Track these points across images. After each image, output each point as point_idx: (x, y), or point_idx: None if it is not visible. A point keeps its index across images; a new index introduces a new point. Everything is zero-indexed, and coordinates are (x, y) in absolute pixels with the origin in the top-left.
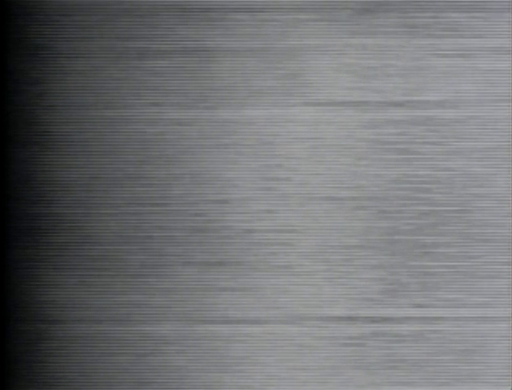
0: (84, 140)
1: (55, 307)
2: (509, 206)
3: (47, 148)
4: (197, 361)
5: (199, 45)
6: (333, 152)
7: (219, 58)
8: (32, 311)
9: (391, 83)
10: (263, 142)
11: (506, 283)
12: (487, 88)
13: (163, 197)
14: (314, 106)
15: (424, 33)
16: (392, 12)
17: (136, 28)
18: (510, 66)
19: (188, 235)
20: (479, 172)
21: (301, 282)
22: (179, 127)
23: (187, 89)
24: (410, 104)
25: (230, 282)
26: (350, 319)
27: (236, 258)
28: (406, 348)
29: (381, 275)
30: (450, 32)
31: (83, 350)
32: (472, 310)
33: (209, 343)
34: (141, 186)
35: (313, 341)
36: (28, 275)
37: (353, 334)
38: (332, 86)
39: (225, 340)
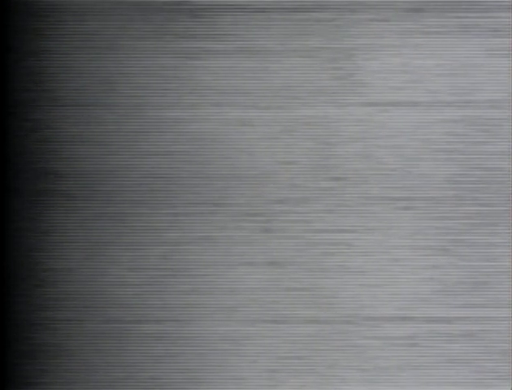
0: (143, 141)
1: (117, 307)
2: None
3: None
4: (256, 361)
5: (257, 45)
6: (386, 152)
7: (276, 58)
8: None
9: (443, 82)
10: (320, 142)
11: None
12: None
13: (224, 197)
14: (367, 106)
15: (475, 33)
16: (444, 12)
17: (195, 27)
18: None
19: (249, 235)
20: None
21: (357, 282)
22: (238, 128)
23: (245, 89)
24: (461, 104)
25: (289, 282)
26: (403, 319)
27: (295, 258)
28: (458, 348)
29: (433, 274)
30: (501, 31)
31: (146, 350)
32: None
33: (268, 341)
34: (201, 186)
35: (367, 341)
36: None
37: (406, 334)
38: (385, 86)
39: (283, 340)
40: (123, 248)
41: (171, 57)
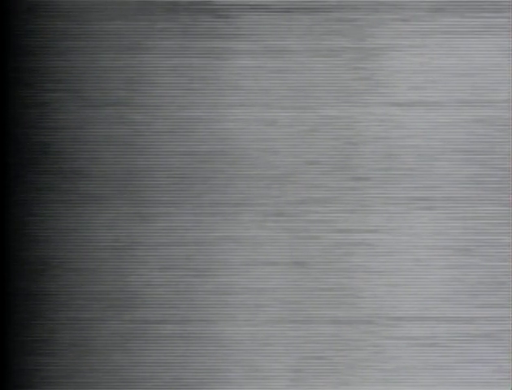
0: (168, 141)
1: (142, 307)
2: None
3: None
4: (280, 361)
5: (281, 45)
6: (407, 151)
7: (300, 58)
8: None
9: (463, 82)
10: (343, 142)
11: None
12: None
13: (247, 197)
14: (389, 105)
15: (495, 32)
16: (464, 12)
17: (218, 27)
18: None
19: (273, 235)
20: None
21: (379, 282)
22: (262, 127)
23: (269, 89)
24: (482, 103)
25: (312, 282)
26: (424, 319)
27: (318, 258)
28: (479, 349)
29: (454, 274)
30: None
31: (169, 350)
32: None
33: (291, 341)
34: (225, 186)
35: (387, 341)
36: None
37: (427, 334)
38: (406, 86)
39: (306, 339)
40: (148, 248)
41: (196, 57)
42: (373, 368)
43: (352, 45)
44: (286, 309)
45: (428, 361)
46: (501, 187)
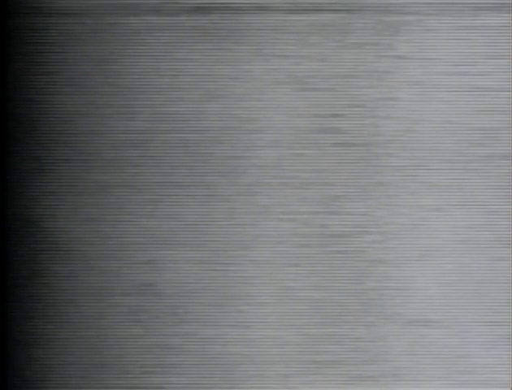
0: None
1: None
2: None
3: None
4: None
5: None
6: (426, 156)
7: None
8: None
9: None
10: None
11: None
12: None
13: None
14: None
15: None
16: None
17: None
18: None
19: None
20: None
21: (400, 286)
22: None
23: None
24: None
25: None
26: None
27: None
28: None
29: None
30: None
31: (201, 351)
32: None
33: (319, 345)
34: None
35: (416, 345)
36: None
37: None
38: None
39: (336, 343)
40: (183, 248)
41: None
42: (402, 367)
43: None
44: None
45: (458, 364)
46: None
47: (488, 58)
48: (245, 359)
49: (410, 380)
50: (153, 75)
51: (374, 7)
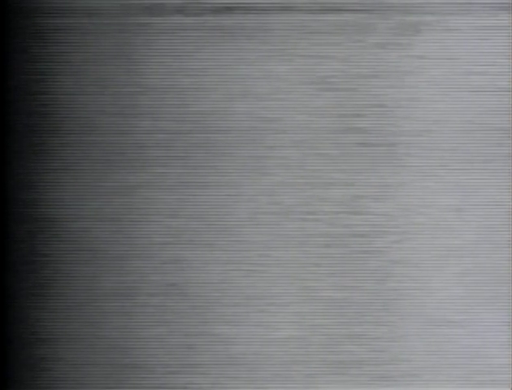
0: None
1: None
2: None
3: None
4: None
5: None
6: (446, 158)
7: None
8: None
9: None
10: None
11: None
12: None
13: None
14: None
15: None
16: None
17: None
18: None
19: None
20: None
21: (420, 286)
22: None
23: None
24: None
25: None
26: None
27: (376, 257)
28: None
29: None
30: None
31: (225, 351)
32: None
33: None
34: (282, 194)
35: (436, 345)
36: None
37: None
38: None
39: (357, 343)
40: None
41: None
42: (427, 366)
43: None
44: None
45: (479, 365)
46: None
47: (509, 58)
48: (268, 359)
49: (431, 380)
50: (177, 76)
51: (395, 7)
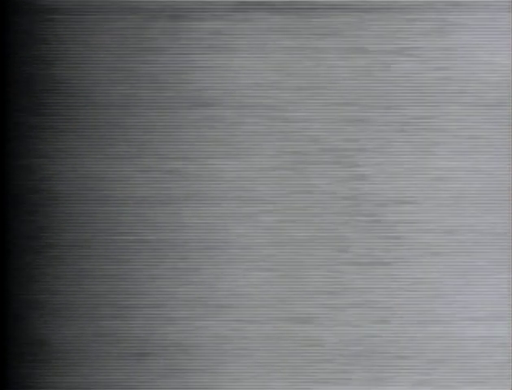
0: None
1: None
2: None
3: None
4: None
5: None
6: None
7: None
8: None
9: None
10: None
11: None
12: None
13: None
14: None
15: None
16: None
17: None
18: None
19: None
20: None
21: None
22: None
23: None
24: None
25: (386, 281)
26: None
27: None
28: None
29: None
30: None
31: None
32: None
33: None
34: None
35: (457, 342)
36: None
37: (500, 333)
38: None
39: (390, 340)
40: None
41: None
42: (451, 366)
43: (433, 44)
44: (358, 310)
45: (498, 361)
46: None
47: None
48: (303, 357)
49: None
50: (218, 70)
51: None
